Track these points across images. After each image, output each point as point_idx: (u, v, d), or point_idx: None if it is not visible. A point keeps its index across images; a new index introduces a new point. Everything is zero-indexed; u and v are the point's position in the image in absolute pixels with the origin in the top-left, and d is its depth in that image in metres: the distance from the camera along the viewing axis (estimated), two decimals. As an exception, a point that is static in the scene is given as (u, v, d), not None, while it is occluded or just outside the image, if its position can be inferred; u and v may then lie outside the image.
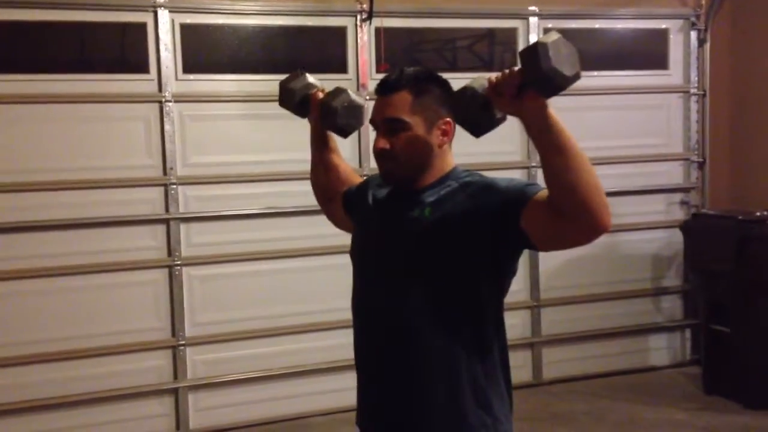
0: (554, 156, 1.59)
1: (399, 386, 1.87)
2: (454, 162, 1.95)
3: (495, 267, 1.83)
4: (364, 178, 2.27)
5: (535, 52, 1.52)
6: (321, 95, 2.23)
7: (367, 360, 1.99)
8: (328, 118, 2.19)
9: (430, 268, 1.82)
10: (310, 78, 2.29)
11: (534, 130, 1.61)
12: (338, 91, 2.18)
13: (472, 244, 1.77)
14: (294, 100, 2.27)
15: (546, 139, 1.60)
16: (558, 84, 1.54)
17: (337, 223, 2.34)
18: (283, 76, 4.75)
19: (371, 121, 1.94)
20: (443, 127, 1.88)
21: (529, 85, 1.56)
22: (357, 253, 2.05)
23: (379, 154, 1.89)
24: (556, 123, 1.59)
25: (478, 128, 1.74)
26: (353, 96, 2.18)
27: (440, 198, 1.85)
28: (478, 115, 1.72)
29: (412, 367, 1.85)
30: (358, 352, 2.02)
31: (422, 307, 1.83)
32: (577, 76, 1.56)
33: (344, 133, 2.21)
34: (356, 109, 2.17)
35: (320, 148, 2.32)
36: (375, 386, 1.96)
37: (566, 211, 1.59)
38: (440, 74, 1.95)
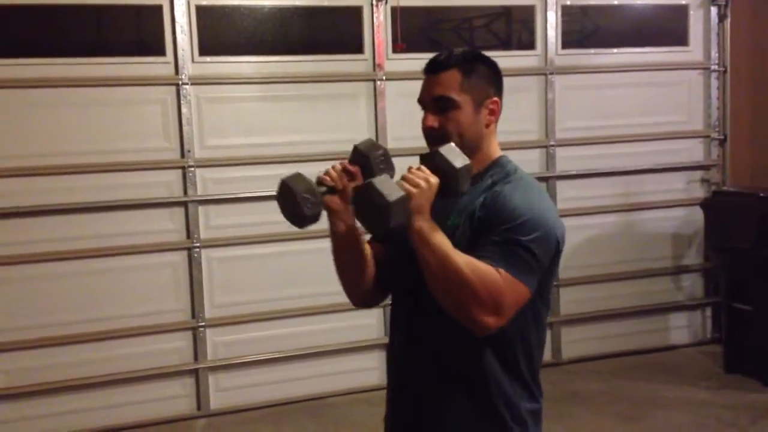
0: (424, 268, 1.69)
1: (421, 394, 1.87)
2: (499, 149, 1.92)
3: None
4: None
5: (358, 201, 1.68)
6: (349, 165, 1.85)
7: (394, 365, 1.98)
8: (380, 218, 1.65)
9: None
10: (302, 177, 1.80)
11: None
12: (369, 145, 1.87)
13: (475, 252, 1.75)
14: (307, 204, 1.76)
15: (418, 251, 1.70)
16: (369, 229, 1.69)
17: (382, 284, 2.01)
18: (300, 57, 4.76)
19: (419, 101, 1.90)
20: (491, 106, 1.87)
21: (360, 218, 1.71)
22: (388, 274, 1.98)
23: (428, 133, 1.86)
24: (420, 244, 1.68)
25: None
26: (387, 179, 1.72)
27: (472, 199, 1.81)
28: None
29: (434, 374, 1.85)
30: (389, 356, 2.02)
31: (449, 323, 1.77)
32: (391, 228, 1.64)
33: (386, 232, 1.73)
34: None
35: (354, 243, 1.91)
36: (397, 391, 1.95)
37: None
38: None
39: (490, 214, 1.76)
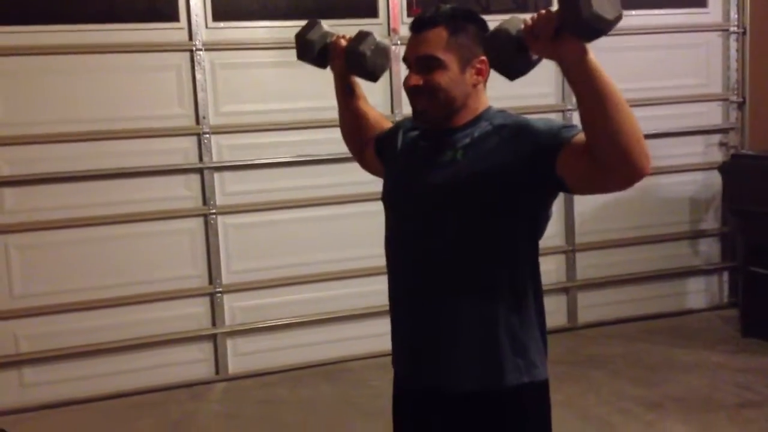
0: (593, 103, 1.54)
1: (433, 329, 1.87)
2: (488, 102, 1.91)
3: (529, 211, 1.82)
4: (394, 122, 2.25)
5: None
6: (343, 42, 2.16)
7: (401, 303, 1.99)
8: (357, 63, 2.10)
9: (462, 210, 1.81)
10: (326, 27, 2.25)
11: (572, 75, 1.56)
12: (363, 35, 2.11)
13: (507, 188, 1.75)
14: (313, 50, 2.22)
15: (584, 85, 1.54)
16: (599, 28, 1.46)
17: (373, 171, 2.29)
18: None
19: (404, 59, 1.89)
20: (478, 66, 1.84)
21: (568, 28, 1.49)
22: (388, 196, 2.02)
23: (411, 91, 1.85)
24: (596, 68, 1.53)
25: (512, 71, 1.67)
26: (378, 38, 2.11)
27: (473, 140, 1.83)
28: (512, 58, 1.64)
29: (446, 309, 1.85)
30: (393, 295, 2.02)
31: (454, 250, 1.82)
32: (618, 19, 1.47)
33: (374, 77, 2.13)
34: (384, 51, 2.10)
35: (347, 96, 2.27)
36: (409, 329, 1.96)
37: (604, 159, 1.56)
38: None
39: (520, 142, 1.75)
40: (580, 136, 1.64)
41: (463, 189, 1.80)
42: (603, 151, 1.55)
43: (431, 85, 1.82)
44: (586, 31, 1.47)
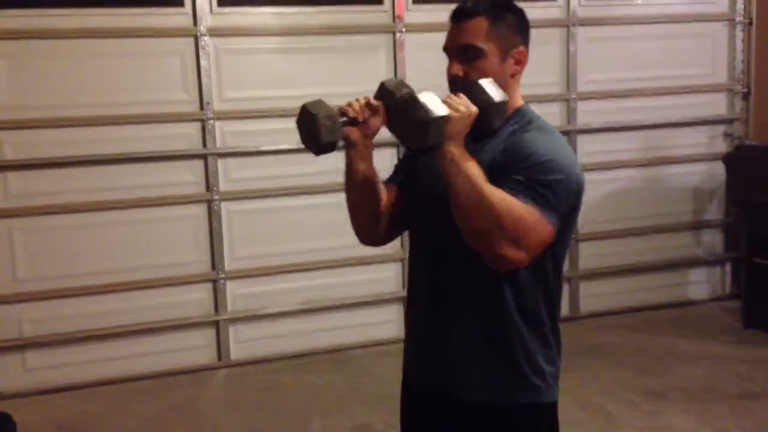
0: (449, 192, 1.67)
1: (450, 337, 1.87)
2: (521, 98, 1.90)
3: None
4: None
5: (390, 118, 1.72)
6: (368, 100, 1.80)
7: (420, 309, 1.97)
8: (410, 109, 1.67)
9: None
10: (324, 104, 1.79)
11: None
12: (398, 81, 1.82)
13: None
14: (327, 132, 1.74)
15: (443, 174, 1.68)
16: (409, 145, 1.71)
17: (396, 223, 1.98)
18: (319, 8, 4.71)
19: (444, 48, 1.87)
20: (517, 56, 1.84)
21: None
22: (412, 202, 1.97)
23: (453, 81, 1.84)
24: (450, 167, 1.67)
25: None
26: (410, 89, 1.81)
27: (496, 144, 1.81)
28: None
29: (464, 319, 1.85)
30: (412, 300, 2.01)
31: (473, 261, 1.76)
32: (429, 148, 1.66)
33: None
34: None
35: (368, 176, 1.86)
36: (426, 334, 1.94)
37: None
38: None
39: (511, 156, 1.75)
40: (531, 208, 1.67)
41: None
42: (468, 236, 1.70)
43: (473, 74, 1.81)
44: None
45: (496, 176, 1.72)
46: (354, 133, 1.79)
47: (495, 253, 1.65)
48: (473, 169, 1.65)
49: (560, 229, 1.76)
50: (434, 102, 1.65)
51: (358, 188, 1.87)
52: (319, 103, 1.77)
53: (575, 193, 1.78)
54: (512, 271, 1.76)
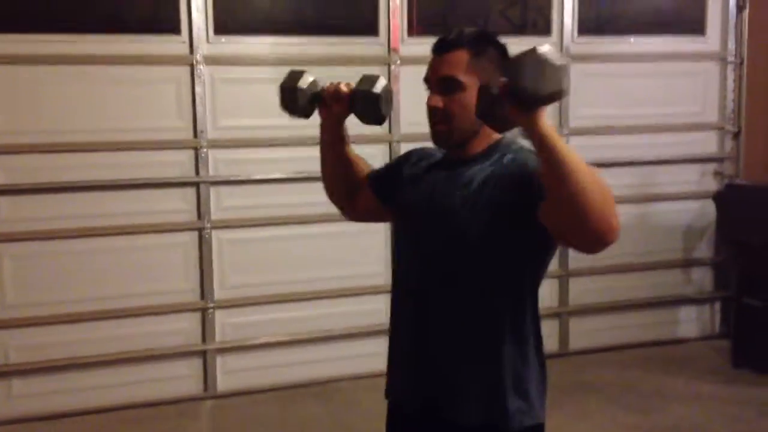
0: (550, 171, 1.54)
1: (436, 359, 1.87)
2: None
3: (527, 251, 1.81)
4: (398, 156, 2.22)
5: (512, 66, 1.51)
6: (344, 87, 2.01)
7: (404, 333, 1.97)
8: (369, 105, 1.98)
9: (464, 245, 1.81)
10: (311, 76, 2.11)
11: (533, 141, 1.56)
12: (373, 78, 2.02)
13: (501, 226, 1.76)
14: (304, 99, 2.08)
15: (540, 152, 1.54)
16: (534, 102, 1.51)
17: (363, 214, 2.25)
18: (314, 39, 4.74)
19: (425, 79, 1.89)
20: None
21: (507, 98, 1.52)
22: (399, 225, 2.02)
23: (431, 112, 1.85)
24: (548, 138, 1.52)
25: (498, 127, 1.72)
26: (383, 79, 2.04)
27: (482, 174, 1.82)
28: (495, 115, 1.65)
29: (449, 341, 1.84)
30: (396, 321, 2.01)
31: (459, 283, 1.81)
32: (558, 94, 1.51)
33: (383, 120, 2.04)
34: (391, 93, 2.04)
35: (337, 143, 2.13)
36: (412, 356, 1.94)
37: (568, 225, 1.57)
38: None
39: (520, 171, 1.74)
40: None
41: (464, 224, 1.80)
42: (564, 218, 1.56)
43: (452, 106, 1.82)
44: (518, 100, 1.51)
45: (500, 188, 1.74)
46: (321, 111, 2.08)
47: (611, 224, 1.54)
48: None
49: (547, 248, 1.80)
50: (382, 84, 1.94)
51: (322, 158, 2.19)
52: (302, 73, 2.10)
53: None
54: (499, 288, 1.78)
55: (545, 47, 1.51)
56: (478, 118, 1.70)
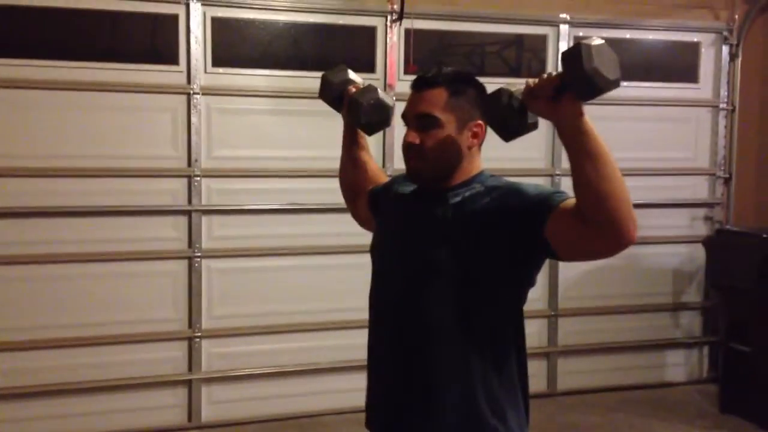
0: (586, 163, 1.57)
1: (411, 388, 1.86)
2: (483, 166, 1.93)
3: (513, 274, 1.81)
4: (390, 177, 2.27)
5: (578, 52, 1.52)
6: (353, 90, 2.23)
7: (380, 360, 1.98)
8: (353, 113, 2.19)
9: (447, 268, 1.81)
10: (352, 74, 2.32)
11: (567, 134, 1.60)
12: (368, 89, 2.18)
13: (492, 246, 1.76)
14: (332, 93, 2.30)
15: (579, 145, 1.58)
16: (598, 86, 1.53)
17: (362, 222, 2.33)
18: (311, 73, 4.78)
19: (403, 116, 1.92)
20: (474, 129, 1.87)
21: (569, 86, 1.56)
22: (377, 250, 2.04)
23: (407, 147, 1.88)
24: (589, 130, 1.58)
25: (510, 132, 1.74)
26: (381, 95, 2.18)
27: (464, 199, 1.84)
28: (511, 118, 1.71)
29: (424, 369, 1.84)
30: (372, 351, 2.01)
31: (438, 308, 1.82)
32: (617, 82, 1.56)
33: (368, 130, 2.25)
34: (383, 108, 2.17)
35: (350, 144, 2.33)
36: (386, 387, 1.94)
37: (594, 221, 1.57)
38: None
39: (509, 202, 1.76)
40: (570, 201, 1.66)
41: (447, 249, 1.81)
42: (592, 211, 1.57)
43: (427, 144, 1.84)
44: (585, 86, 1.54)
45: (487, 223, 1.76)
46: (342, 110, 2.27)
47: (627, 226, 1.57)
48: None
49: (532, 271, 1.81)
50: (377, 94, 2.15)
51: (342, 149, 2.37)
52: (341, 70, 2.35)
53: None
54: (476, 312, 1.79)
55: (598, 40, 1.56)
56: (492, 126, 1.75)
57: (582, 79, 1.53)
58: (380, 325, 1.99)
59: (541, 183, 5.07)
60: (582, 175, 1.58)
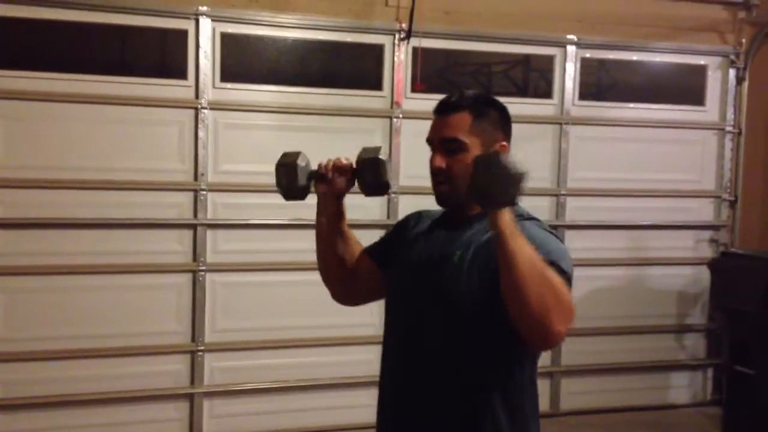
0: (502, 261, 1.61)
1: (418, 413, 1.86)
2: None
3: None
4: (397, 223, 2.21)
5: (474, 167, 1.64)
6: (344, 160, 1.98)
7: (392, 394, 1.97)
8: (376, 172, 1.91)
9: (453, 311, 1.81)
10: (306, 157, 2.06)
11: (493, 240, 1.66)
12: (374, 148, 1.97)
13: (486, 296, 1.75)
14: (303, 176, 2.00)
15: (497, 245, 1.62)
16: (486, 204, 1.65)
17: (360, 292, 2.18)
18: (319, 90, 4.80)
19: (428, 140, 1.92)
20: (499, 150, 1.86)
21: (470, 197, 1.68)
22: (393, 286, 2.01)
23: (435, 172, 1.88)
24: (506, 239, 1.60)
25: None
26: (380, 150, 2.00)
27: (477, 239, 1.83)
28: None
29: (432, 406, 1.84)
30: (383, 375, 2.00)
31: (448, 346, 1.81)
32: (510, 202, 1.62)
33: (387, 188, 1.97)
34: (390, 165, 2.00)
35: (340, 219, 2.04)
36: (398, 421, 1.93)
37: (511, 314, 1.63)
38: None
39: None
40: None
41: (454, 286, 1.81)
42: (514, 315, 1.62)
43: (454, 167, 1.84)
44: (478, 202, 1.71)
45: (490, 261, 1.72)
46: (321, 187, 2.00)
47: (549, 326, 1.59)
48: (527, 244, 1.62)
49: None
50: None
51: (319, 238, 2.08)
52: (298, 153, 2.02)
53: (570, 284, 1.78)
54: (498, 362, 1.77)
55: (505, 156, 1.63)
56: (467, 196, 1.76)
57: (474, 197, 1.67)
58: (392, 361, 1.98)
59: (545, 203, 5.08)
60: (502, 282, 1.63)
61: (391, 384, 1.97)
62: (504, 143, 1.89)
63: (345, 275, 2.11)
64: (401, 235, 2.07)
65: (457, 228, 1.89)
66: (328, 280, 2.17)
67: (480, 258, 1.79)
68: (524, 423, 1.85)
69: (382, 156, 1.92)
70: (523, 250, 1.59)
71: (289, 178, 2.01)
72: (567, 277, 1.69)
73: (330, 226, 2.04)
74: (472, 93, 1.92)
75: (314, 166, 2.03)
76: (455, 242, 1.85)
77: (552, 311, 1.58)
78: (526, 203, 1.96)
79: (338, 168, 1.97)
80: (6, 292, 4.24)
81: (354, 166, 1.97)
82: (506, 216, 1.61)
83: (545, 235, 1.79)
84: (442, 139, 1.87)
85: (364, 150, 1.98)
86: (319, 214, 2.05)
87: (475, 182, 1.62)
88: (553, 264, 1.67)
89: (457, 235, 1.86)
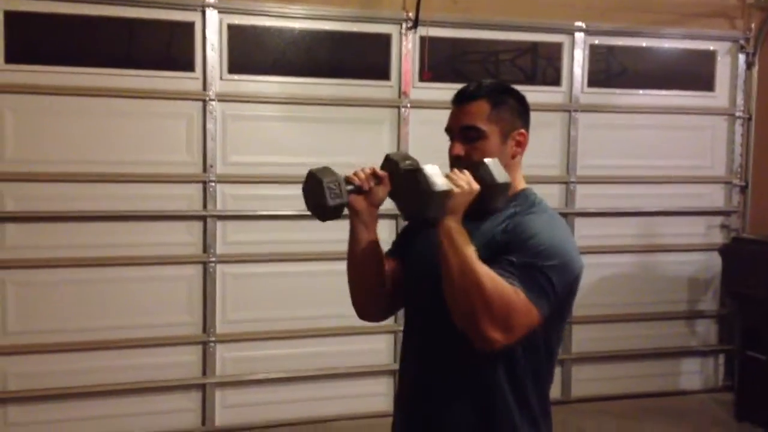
0: (443, 265, 1.69)
1: (431, 402, 1.87)
2: (524, 182, 1.94)
3: None
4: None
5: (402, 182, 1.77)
6: (368, 170, 1.88)
7: (406, 373, 1.99)
8: (415, 180, 1.71)
9: None
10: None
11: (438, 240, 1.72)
12: (402, 153, 1.92)
13: None
14: (342, 191, 1.82)
15: (442, 252, 1.69)
16: (416, 217, 1.74)
17: (394, 301, 2.04)
18: (326, 80, 4.80)
19: (447, 129, 1.93)
20: (518, 138, 1.90)
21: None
22: (409, 275, 2.00)
23: (455, 161, 1.88)
24: (442, 246, 1.69)
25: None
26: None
27: (490, 226, 1.83)
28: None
29: (444, 382, 1.85)
30: (402, 363, 2.02)
31: (457, 339, 1.81)
32: (434, 218, 1.70)
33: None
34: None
35: (372, 229, 1.93)
36: (410, 399, 1.95)
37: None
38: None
39: (510, 238, 1.77)
40: (521, 293, 1.67)
41: None
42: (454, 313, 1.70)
43: (474, 155, 1.85)
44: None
45: (494, 256, 1.73)
46: (359, 201, 1.88)
47: (480, 332, 1.65)
48: (467, 247, 1.67)
49: (555, 312, 1.76)
50: (437, 175, 1.69)
51: (360, 258, 1.92)
52: (325, 169, 1.84)
53: (572, 278, 1.78)
54: (506, 351, 1.75)
55: (429, 168, 1.68)
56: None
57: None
58: (407, 355, 2.00)
59: (555, 191, 5.07)
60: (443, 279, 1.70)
61: (408, 372, 1.98)
62: (522, 131, 1.90)
63: (382, 290, 1.99)
64: (418, 223, 2.06)
65: (479, 218, 1.85)
66: (363, 300, 2.03)
67: (498, 247, 1.78)
68: (535, 420, 1.86)
69: (420, 165, 1.76)
70: (456, 260, 1.66)
71: (319, 201, 1.82)
72: (546, 278, 1.70)
73: (367, 237, 1.91)
74: (490, 82, 1.93)
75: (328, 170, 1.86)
76: (476, 231, 1.82)
77: (482, 319, 1.63)
78: (536, 190, 1.96)
79: (376, 177, 1.88)
80: (18, 285, 4.27)
81: (382, 172, 1.88)
82: (447, 224, 1.68)
83: (543, 229, 1.78)
84: (462, 128, 1.88)
85: (390, 158, 1.92)
86: (357, 230, 1.90)
87: (397, 201, 1.74)
88: (531, 267, 1.69)
89: (477, 225, 1.83)
